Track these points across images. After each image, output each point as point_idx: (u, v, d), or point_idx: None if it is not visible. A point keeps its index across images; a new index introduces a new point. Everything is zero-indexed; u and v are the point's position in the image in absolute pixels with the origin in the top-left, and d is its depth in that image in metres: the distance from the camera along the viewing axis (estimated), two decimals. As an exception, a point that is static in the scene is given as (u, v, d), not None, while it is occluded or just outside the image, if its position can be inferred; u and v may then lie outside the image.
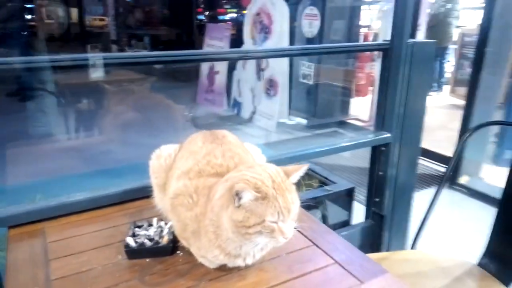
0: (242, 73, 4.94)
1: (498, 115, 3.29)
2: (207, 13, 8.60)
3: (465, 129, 3.03)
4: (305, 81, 4.46)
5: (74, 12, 8.88)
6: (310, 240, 0.95)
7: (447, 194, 3.00)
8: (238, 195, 0.71)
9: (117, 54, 4.72)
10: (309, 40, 4.39)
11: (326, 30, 4.21)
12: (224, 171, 0.83)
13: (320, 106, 4.44)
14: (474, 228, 2.43)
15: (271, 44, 4.35)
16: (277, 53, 2.36)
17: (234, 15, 8.52)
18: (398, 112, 1.57)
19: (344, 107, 4.55)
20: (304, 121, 4.44)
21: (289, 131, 4.31)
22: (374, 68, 4.56)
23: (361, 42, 4.93)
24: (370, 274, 0.83)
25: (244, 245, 0.77)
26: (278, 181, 0.73)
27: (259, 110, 4.61)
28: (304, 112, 4.49)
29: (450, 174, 3.13)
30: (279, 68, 4.32)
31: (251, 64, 4.70)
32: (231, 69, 5.09)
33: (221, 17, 8.63)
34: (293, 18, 4.42)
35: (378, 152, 1.64)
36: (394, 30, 1.49)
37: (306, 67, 4.43)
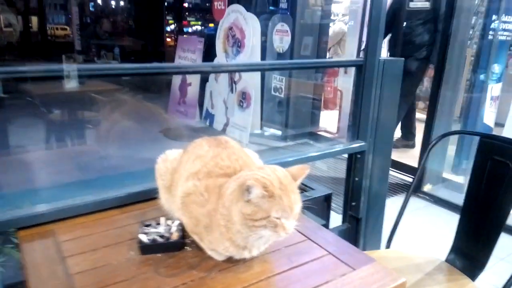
0: (215, 85, 5.04)
1: (456, 128, 3.58)
2: (174, 25, 8.68)
3: (427, 141, 3.28)
4: (276, 94, 4.63)
5: (34, 20, 8.69)
6: (305, 235, 1.06)
7: (412, 201, 3.21)
8: (248, 190, 0.81)
9: (88, 66, 4.70)
10: (280, 55, 4.57)
11: (296, 45, 4.41)
12: (231, 172, 0.93)
13: (291, 118, 4.61)
14: (438, 231, 2.64)
15: (243, 57, 4.49)
16: (258, 67, 2.48)
17: (199, 27, 8.63)
18: (372, 122, 1.72)
19: (314, 119, 4.74)
20: (279, 132, 4.58)
21: (263, 142, 4.44)
22: (341, 82, 4.79)
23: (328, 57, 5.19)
24: (360, 262, 0.95)
25: (250, 238, 0.86)
26: (284, 183, 0.83)
27: (232, 122, 4.72)
28: (276, 124, 4.64)
29: (416, 182, 3.36)
30: (251, 80, 4.46)
31: (224, 76, 4.82)
32: (204, 81, 5.17)
33: (186, 29, 8.71)
34: (264, 33, 4.59)
35: (354, 160, 1.79)
36: (367, 48, 1.66)
37: (278, 81, 4.60)
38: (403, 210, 1.67)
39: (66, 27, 8.86)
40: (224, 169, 0.94)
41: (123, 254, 0.96)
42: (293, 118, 4.65)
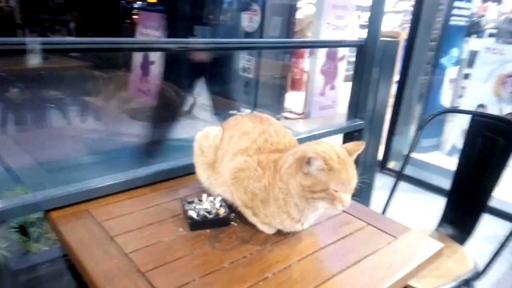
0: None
1: (418, 108, 3.80)
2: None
3: (395, 120, 3.46)
4: (245, 74, 4.61)
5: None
6: (340, 209, 1.10)
7: (379, 177, 3.40)
8: (309, 162, 0.83)
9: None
10: (249, 35, 4.54)
11: (266, 25, 4.40)
12: (282, 148, 0.94)
13: (260, 98, 4.62)
14: (405, 205, 2.83)
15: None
16: (253, 45, 2.42)
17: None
18: (370, 102, 1.79)
19: (281, 100, 4.80)
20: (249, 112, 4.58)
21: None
22: (307, 64, 4.87)
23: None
24: (400, 231, 1.01)
25: (307, 210, 0.88)
26: (342, 157, 0.85)
27: (200, 102, 4.64)
28: (246, 104, 4.63)
29: (384, 161, 3.55)
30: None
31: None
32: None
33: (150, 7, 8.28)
34: (235, 13, 4.53)
35: (351, 138, 1.86)
36: (369, 29, 1.71)
37: (246, 61, 4.58)
38: (396, 185, 1.78)
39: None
40: (274, 145, 0.95)
41: (172, 231, 0.95)
42: (262, 99, 4.67)
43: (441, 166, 3.44)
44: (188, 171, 1.22)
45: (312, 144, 0.89)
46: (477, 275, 1.41)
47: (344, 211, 1.09)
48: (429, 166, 3.56)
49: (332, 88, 4.75)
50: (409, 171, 3.56)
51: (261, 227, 0.95)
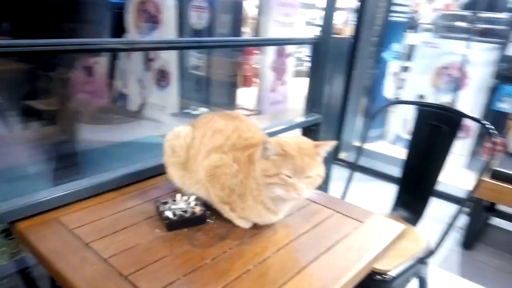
0: (127, 64, 4.77)
1: (363, 100, 4.00)
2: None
3: (344, 112, 3.61)
4: (196, 72, 4.58)
5: None
6: (307, 199, 1.15)
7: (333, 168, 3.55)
8: (265, 147, 0.86)
9: None
10: (198, 32, 4.50)
11: (214, 22, 4.40)
12: (256, 142, 0.97)
13: (212, 96, 4.61)
14: (355, 191, 2.98)
15: (159, 34, 4.33)
16: (208, 44, 2.40)
17: None
18: (325, 96, 1.87)
19: (233, 97, 4.82)
20: (206, 110, 4.54)
21: (183, 120, 4.37)
22: (258, 61, 4.93)
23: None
24: (364, 216, 1.08)
25: (270, 197, 0.90)
26: (303, 147, 0.88)
27: (150, 102, 4.54)
28: (198, 102, 4.60)
29: (335, 152, 3.70)
30: (169, 58, 4.34)
31: (137, 54, 4.59)
32: (113, 58, 4.85)
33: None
34: (180, 9, 4.47)
35: (308, 132, 1.93)
36: (322, 27, 1.78)
37: (197, 58, 4.54)
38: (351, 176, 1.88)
39: None
40: (249, 140, 0.97)
41: (148, 233, 0.94)
42: (213, 96, 4.66)
43: (386, 154, 3.64)
44: (156, 172, 1.22)
45: (280, 136, 0.93)
46: (430, 253, 1.53)
47: (312, 202, 1.14)
48: (376, 155, 3.76)
49: (282, 83, 4.85)
50: (355, 159, 3.74)
51: (238, 221, 0.98)
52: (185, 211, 0.98)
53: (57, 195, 1.00)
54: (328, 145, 0.92)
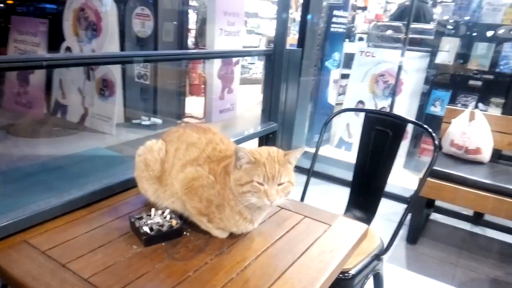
0: (65, 72, 4.54)
1: (309, 107, 4.17)
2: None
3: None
4: (141, 80, 4.48)
5: None
6: (278, 206, 1.20)
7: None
8: (237, 155, 0.90)
9: None
10: (142, 40, 4.42)
11: (160, 31, 4.34)
12: (230, 154, 1.00)
13: (159, 105, 4.54)
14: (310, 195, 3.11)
15: (101, 41, 4.19)
16: (151, 58, 2.38)
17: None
18: (281, 105, 1.95)
19: (181, 105, 4.78)
20: (159, 121, 4.43)
21: (132, 131, 4.25)
22: (205, 69, 4.93)
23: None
24: (331, 219, 1.16)
25: (242, 204, 0.93)
26: (273, 155, 0.93)
27: (92, 113, 4.37)
28: (141, 112, 4.50)
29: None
30: (113, 67, 4.21)
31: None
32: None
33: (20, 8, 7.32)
34: (122, 17, 4.37)
35: (266, 140, 1.99)
36: (276, 39, 1.86)
37: (142, 67, 4.45)
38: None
39: None
40: (223, 152, 1.01)
41: (125, 249, 0.94)
42: (160, 105, 4.59)
43: (333, 158, 3.83)
44: (125, 187, 1.21)
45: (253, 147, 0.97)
46: (384, 249, 1.65)
47: (282, 208, 1.20)
48: (323, 159, 3.93)
49: (230, 91, 4.90)
50: (306, 164, 3.90)
51: (215, 232, 1.00)
52: (162, 225, 0.99)
53: (24, 216, 0.96)
54: (297, 153, 0.97)
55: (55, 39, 4.61)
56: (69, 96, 4.51)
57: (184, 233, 1.02)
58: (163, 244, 0.97)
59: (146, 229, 0.96)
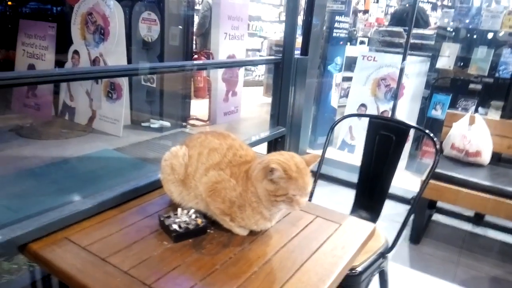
0: (74, 76, 4.63)
1: (313, 109, 4.27)
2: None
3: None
4: (147, 84, 4.58)
5: None
6: (290, 206, 1.29)
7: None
8: (272, 171, 1.00)
9: None
10: (148, 44, 4.52)
11: (166, 35, 4.44)
12: (250, 159, 1.10)
13: (165, 107, 4.63)
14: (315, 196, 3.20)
15: (108, 45, 4.29)
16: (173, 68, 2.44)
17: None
18: (289, 110, 2.04)
19: (187, 108, 4.87)
20: (168, 124, 4.52)
21: (139, 133, 4.35)
22: (210, 72, 5.02)
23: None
24: (341, 218, 1.25)
25: (272, 210, 1.05)
26: (300, 167, 1.03)
27: (100, 115, 4.46)
28: (150, 115, 4.59)
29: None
30: (120, 71, 4.29)
31: (85, 65, 4.49)
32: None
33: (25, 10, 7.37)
34: (129, 21, 4.46)
35: (275, 144, 2.09)
36: (284, 48, 1.95)
37: (148, 71, 4.54)
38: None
39: None
40: (243, 157, 1.10)
41: (157, 245, 1.03)
42: (166, 108, 4.68)
43: (336, 160, 3.92)
44: (150, 188, 1.30)
45: (276, 154, 1.06)
46: (389, 248, 1.75)
47: (295, 208, 1.29)
48: (326, 161, 4.02)
49: (234, 94, 5.00)
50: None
51: (237, 230, 1.10)
52: (189, 224, 1.08)
53: (65, 215, 1.05)
54: (316, 162, 1.08)
55: (63, 43, 4.71)
56: (77, 98, 4.61)
57: (208, 230, 1.11)
58: (190, 240, 1.06)
59: (175, 226, 1.05)
